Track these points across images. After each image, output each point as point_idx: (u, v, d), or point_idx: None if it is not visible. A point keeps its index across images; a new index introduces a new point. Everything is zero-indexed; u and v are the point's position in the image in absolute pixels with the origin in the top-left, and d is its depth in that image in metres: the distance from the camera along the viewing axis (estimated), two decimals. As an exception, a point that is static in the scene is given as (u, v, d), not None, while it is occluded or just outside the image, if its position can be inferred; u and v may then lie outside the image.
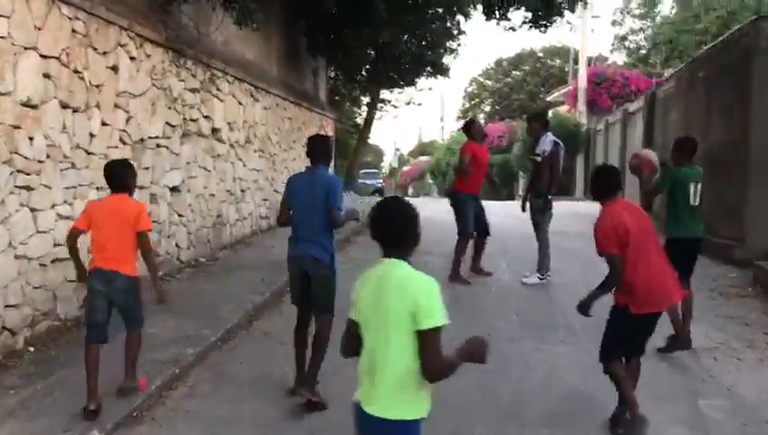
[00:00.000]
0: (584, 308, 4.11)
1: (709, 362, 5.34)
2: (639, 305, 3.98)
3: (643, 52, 29.76)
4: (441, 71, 17.78)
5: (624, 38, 31.61)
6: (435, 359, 2.26)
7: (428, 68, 17.12)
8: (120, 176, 4.35)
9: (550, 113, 24.40)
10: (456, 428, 4.15)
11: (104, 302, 4.21)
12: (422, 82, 20.35)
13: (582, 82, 24.76)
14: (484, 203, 8.44)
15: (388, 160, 68.99)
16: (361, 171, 35.99)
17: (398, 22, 13.21)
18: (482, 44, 71.62)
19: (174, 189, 7.91)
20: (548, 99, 32.93)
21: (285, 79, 12.69)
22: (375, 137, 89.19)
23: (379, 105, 27.17)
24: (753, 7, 21.43)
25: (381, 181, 40.33)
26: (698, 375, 5.06)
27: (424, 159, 50.42)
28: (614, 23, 32.54)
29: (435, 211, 16.10)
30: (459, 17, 16.43)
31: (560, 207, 10.52)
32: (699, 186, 5.48)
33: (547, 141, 7.72)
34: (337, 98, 22.32)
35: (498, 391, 4.75)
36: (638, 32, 30.96)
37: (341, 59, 14.61)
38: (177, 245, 8.03)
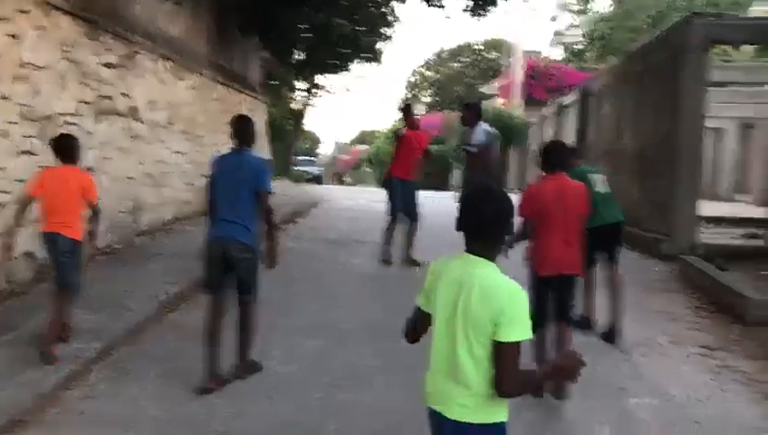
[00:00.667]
0: None
1: (637, 358, 5.27)
2: (540, 267, 4.37)
3: (579, 47, 30.31)
4: (375, 57, 17.60)
5: (561, 34, 32.13)
6: (511, 374, 2.10)
7: (363, 53, 16.90)
8: (69, 148, 4.78)
9: (487, 105, 24.50)
10: None
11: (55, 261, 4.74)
12: (357, 68, 20.08)
13: (518, 75, 24.98)
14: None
15: (326, 148, 68.45)
16: (298, 158, 35.43)
17: (335, 3, 12.90)
18: (425, 35, 72.08)
19: (87, 171, 7.33)
20: (486, 91, 33.14)
21: (214, 59, 12.12)
22: (313, 124, 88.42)
23: (315, 91, 26.75)
24: (684, 7, 22.06)
25: (319, 169, 39.82)
26: (626, 373, 4.97)
27: (362, 148, 50.16)
28: (553, 18, 33.03)
29: (370, 200, 15.90)
30: (393, 3, 16.26)
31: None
32: (601, 175, 5.74)
33: (481, 131, 7.58)
34: (276, 82, 21.75)
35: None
36: (574, 27, 31.50)
37: (275, 40, 14.15)
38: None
